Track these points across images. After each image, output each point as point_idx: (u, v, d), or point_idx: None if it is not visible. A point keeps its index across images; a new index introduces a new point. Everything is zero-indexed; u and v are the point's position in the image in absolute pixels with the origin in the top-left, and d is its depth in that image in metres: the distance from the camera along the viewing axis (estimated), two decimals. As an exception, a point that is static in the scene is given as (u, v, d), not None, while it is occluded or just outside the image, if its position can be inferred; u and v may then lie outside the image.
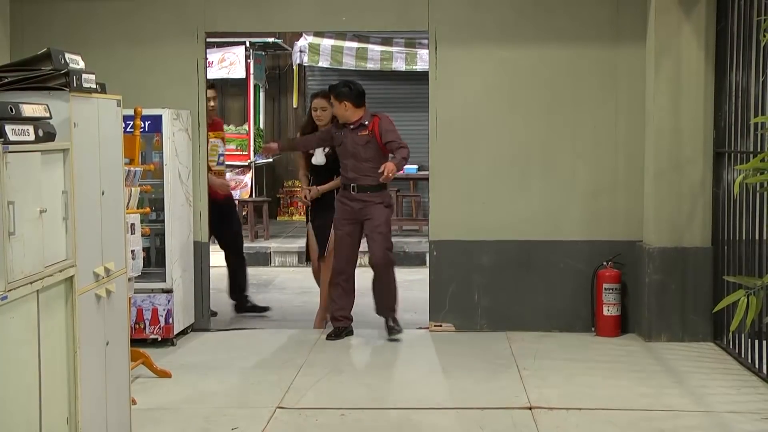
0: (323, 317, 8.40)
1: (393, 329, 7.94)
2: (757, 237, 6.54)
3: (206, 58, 8.48)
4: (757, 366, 6.55)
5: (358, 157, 7.85)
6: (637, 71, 7.85)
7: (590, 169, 7.97)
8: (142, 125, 7.16)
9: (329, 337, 7.89)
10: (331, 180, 8.25)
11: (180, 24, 8.11)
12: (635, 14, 7.83)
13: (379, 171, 7.59)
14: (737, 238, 7.03)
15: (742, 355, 6.91)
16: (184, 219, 7.98)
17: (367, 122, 7.87)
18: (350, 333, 8.01)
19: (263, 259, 12.55)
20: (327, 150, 8.20)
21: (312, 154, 8.32)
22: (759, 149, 6.32)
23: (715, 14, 7.46)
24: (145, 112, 7.16)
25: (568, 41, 7.95)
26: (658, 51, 7.59)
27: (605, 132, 7.98)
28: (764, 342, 6.13)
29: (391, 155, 7.86)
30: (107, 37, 8.08)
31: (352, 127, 7.87)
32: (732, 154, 7.15)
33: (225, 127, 14.76)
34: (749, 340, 6.78)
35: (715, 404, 6.00)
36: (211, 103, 8.70)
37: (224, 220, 9.09)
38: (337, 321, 8.05)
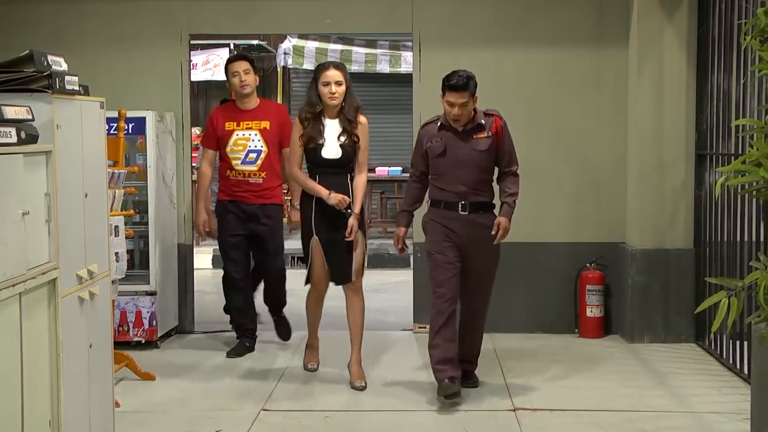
0: (313, 358, 6.93)
1: (473, 382, 6.46)
2: (738, 239, 6.56)
3: (190, 60, 8.45)
4: (738, 366, 6.57)
5: (476, 168, 6.18)
6: (620, 74, 7.87)
7: (573, 172, 7.99)
8: (126, 127, 7.14)
9: (448, 396, 5.97)
10: (345, 180, 6.47)
11: (164, 26, 8.08)
12: (618, 17, 7.86)
13: (493, 232, 6.09)
14: (719, 239, 7.05)
15: (724, 356, 6.94)
16: (168, 221, 7.95)
17: (483, 121, 6.21)
18: (475, 384, 6.45)
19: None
20: (344, 139, 6.40)
21: (317, 145, 6.39)
22: (740, 151, 6.33)
23: (696, 18, 7.49)
24: (129, 114, 7.17)
25: (551, 44, 7.96)
26: (640, 54, 7.62)
27: (588, 134, 7.99)
28: (745, 343, 6.14)
29: (504, 191, 6.29)
30: (91, 40, 8.05)
31: (461, 129, 6.18)
32: (713, 156, 7.17)
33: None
34: (730, 341, 6.80)
35: (696, 405, 6.02)
36: (242, 77, 7.20)
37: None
38: (445, 370, 6.05)
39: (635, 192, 7.72)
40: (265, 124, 7.28)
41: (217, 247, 7.88)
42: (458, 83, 6.00)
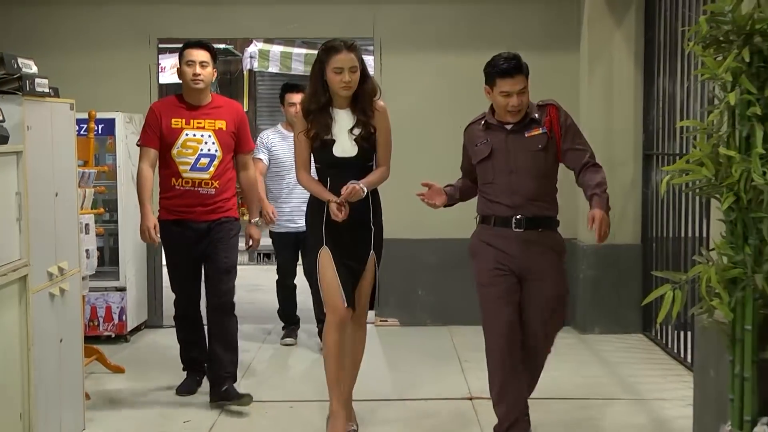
0: (344, 426, 5.16)
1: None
2: (682, 234, 6.63)
3: (159, 64, 8.42)
4: (682, 356, 6.65)
5: (528, 173, 4.86)
6: (571, 77, 7.93)
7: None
8: (96, 128, 7.11)
9: None
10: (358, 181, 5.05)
11: (133, 30, 8.06)
12: (570, 22, 7.92)
13: (590, 227, 4.71)
14: (665, 235, 7.13)
15: (669, 346, 7.02)
16: (137, 219, 7.74)
17: (536, 115, 4.95)
18: None
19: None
20: (359, 132, 5.05)
21: (326, 142, 5.04)
22: (684, 151, 6.41)
23: (643, 24, 7.56)
24: (99, 115, 7.14)
25: (505, 47, 7.83)
26: (591, 58, 7.68)
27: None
28: (689, 333, 6.21)
29: (588, 184, 4.87)
30: (62, 43, 8.01)
31: (511, 127, 4.90)
32: (659, 156, 7.25)
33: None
34: (675, 331, 6.88)
35: (644, 392, 6.08)
36: (196, 69, 5.82)
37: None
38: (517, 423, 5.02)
39: (586, 190, 7.76)
40: (221, 124, 5.84)
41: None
42: (511, 66, 4.88)
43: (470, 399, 5.96)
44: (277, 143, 7.41)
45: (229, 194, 5.95)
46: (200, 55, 5.83)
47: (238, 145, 5.95)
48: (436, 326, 8.06)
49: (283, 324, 7.77)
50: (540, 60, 7.94)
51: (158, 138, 5.81)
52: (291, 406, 5.87)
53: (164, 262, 6.30)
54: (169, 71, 14.37)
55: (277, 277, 7.69)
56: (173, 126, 5.81)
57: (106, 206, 7.48)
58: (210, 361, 5.96)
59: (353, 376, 5.32)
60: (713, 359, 4.59)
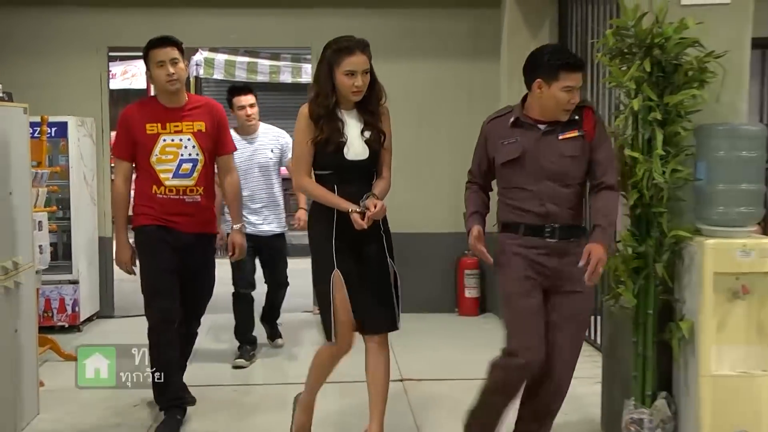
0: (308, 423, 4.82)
1: None
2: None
3: (109, 70, 8.32)
4: (593, 338, 6.72)
5: (563, 180, 4.11)
6: (492, 84, 7.96)
7: (452, 171, 8.01)
8: (49, 131, 7.11)
9: None
10: (370, 188, 4.39)
11: (85, 38, 7.95)
12: (491, 34, 7.96)
13: (583, 261, 3.90)
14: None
15: (583, 329, 7.10)
16: (89, 216, 7.84)
17: (577, 116, 4.12)
18: None
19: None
20: (370, 134, 4.42)
21: (339, 145, 4.31)
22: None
23: (557, 37, 7.63)
24: (52, 119, 7.09)
25: (433, 58, 8.04)
26: (510, 67, 7.71)
27: (464, 138, 7.96)
28: (599, 317, 6.29)
29: (597, 210, 4.11)
30: (16, 50, 7.88)
31: (545, 126, 4.13)
32: (573, 157, 7.32)
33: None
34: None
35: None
36: (169, 69, 4.88)
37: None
38: None
39: (506, 188, 7.83)
40: (200, 126, 4.97)
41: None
42: (578, 60, 4.10)
43: (401, 381, 5.98)
44: None
45: (211, 203, 5.17)
46: (169, 52, 4.94)
47: (218, 146, 5.09)
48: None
49: (238, 343, 6.70)
50: (465, 68, 8.06)
51: (131, 148, 4.94)
52: (235, 389, 5.84)
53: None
54: (119, 78, 14.26)
55: (233, 289, 6.60)
56: (148, 132, 4.90)
57: (59, 204, 7.41)
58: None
59: (383, 404, 4.60)
60: (619, 341, 4.68)
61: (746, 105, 4.51)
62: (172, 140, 4.92)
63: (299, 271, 9.95)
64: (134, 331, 7.47)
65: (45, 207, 6.47)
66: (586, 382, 5.76)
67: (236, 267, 6.35)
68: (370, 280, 4.37)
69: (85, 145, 7.73)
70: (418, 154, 8.07)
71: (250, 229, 6.20)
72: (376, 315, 4.41)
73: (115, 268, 8.22)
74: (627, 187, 4.29)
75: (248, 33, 8.26)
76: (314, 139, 4.30)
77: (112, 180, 7.81)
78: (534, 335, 4.11)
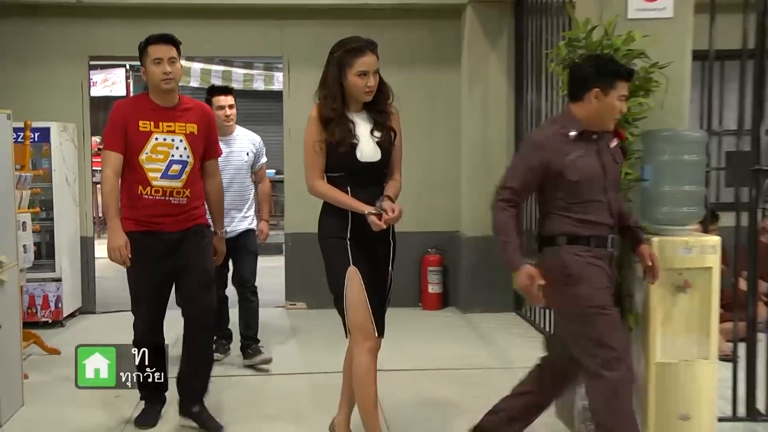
0: None
1: None
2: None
3: (90, 78, 8.25)
4: (546, 328, 6.79)
5: (617, 188, 4.00)
6: (453, 92, 8.02)
7: (417, 174, 8.07)
8: (32, 136, 7.03)
9: None
10: (381, 190, 4.07)
11: (67, 48, 7.88)
12: (452, 45, 8.00)
13: (648, 263, 3.97)
14: (533, 228, 7.26)
15: (536, 321, 7.16)
16: (71, 217, 7.77)
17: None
18: None
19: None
20: (380, 134, 4.10)
21: (351, 146, 4.01)
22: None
23: (514, 46, 7.68)
24: (35, 124, 7.03)
25: (397, 66, 7.99)
26: (470, 75, 7.77)
27: (429, 143, 8.11)
28: (551, 310, 6.32)
29: (625, 216, 4.05)
30: (1, 58, 7.79)
31: (596, 136, 3.88)
32: (529, 160, 7.36)
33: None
34: (540, 309, 7.01)
35: (514, 361, 6.14)
36: (165, 68, 4.48)
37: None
38: None
39: (467, 190, 7.88)
40: (192, 128, 4.61)
41: None
42: (632, 71, 3.90)
43: (369, 371, 5.98)
44: None
45: (199, 202, 4.76)
46: (167, 50, 4.52)
47: (207, 150, 4.71)
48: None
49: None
50: (428, 76, 8.08)
51: (124, 141, 4.49)
52: (211, 381, 5.81)
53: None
54: (100, 85, 14.14)
55: None
56: (141, 129, 4.51)
57: (43, 206, 7.31)
58: (182, 376, 4.86)
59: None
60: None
61: (688, 112, 4.56)
62: (164, 140, 4.53)
63: (268, 268, 10.01)
64: (115, 326, 7.48)
65: (29, 208, 6.40)
66: (515, 373, 5.79)
67: None
68: (374, 284, 4.08)
69: (67, 149, 7.65)
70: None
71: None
72: (376, 318, 4.12)
73: (97, 265, 8.29)
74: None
75: (222, 43, 8.22)
76: (322, 142, 4.03)
77: (95, 183, 7.79)
78: (625, 342, 3.92)
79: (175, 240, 4.59)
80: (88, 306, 8.05)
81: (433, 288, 8.01)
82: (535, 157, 3.83)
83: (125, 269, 4.62)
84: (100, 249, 8.84)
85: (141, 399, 4.98)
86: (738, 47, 4.69)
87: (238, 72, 13.45)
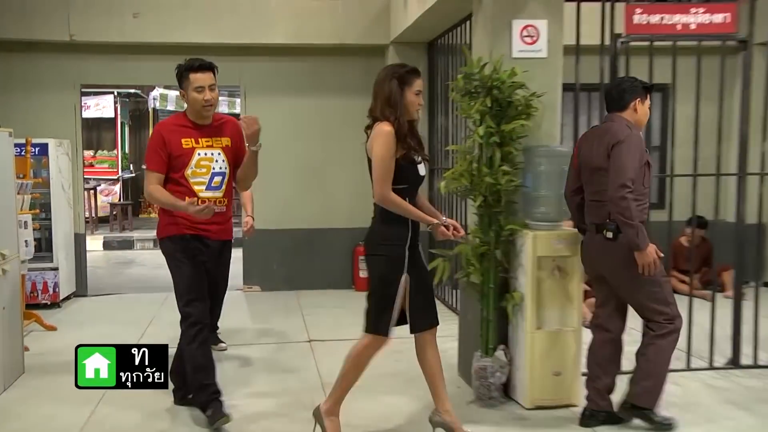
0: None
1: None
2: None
3: (81, 103, 8.05)
4: (454, 305, 6.83)
5: None
6: (380, 115, 8.00)
7: (350, 179, 8.08)
8: (33, 150, 6.91)
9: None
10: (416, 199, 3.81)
11: (62, 77, 7.68)
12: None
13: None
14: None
15: (446, 299, 7.20)
16: (66, 217, 7.59)
17: None
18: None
19: (129, 244, 12.02)
20: (422, 152, 3.79)
21: (415, 162, 3.71)
22: (452, 166, 6.58)
23: (427, 79, 7.70)
24: (36, 140, 6.91)
25: (335, 94, 8.03)
26: (393, 102, 7.78)
27: (360, 156, 8.06)
28: (457, 290, 6.38)
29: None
30: (7, 86, 7.58)
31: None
32: (439, 170, 7.39)
33: (100, 151, 14.32)
34: (450, 289, 7.07)
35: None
36: (207, 95, 4.03)
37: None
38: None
39: (391, 193, 7.88)
40: (226, 141, 4.15)
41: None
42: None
43: (309, 342, 5.97)
44: None
45: (231, 212, 4.27)
46: (208, 79, 4.06)
47: (238, 159, 4.20)
48: (287, 291, 8.01)
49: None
50: (358, 101, 7.94)
51: (165, 161, 4.00)
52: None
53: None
54: (93, 108, 13.84)
55: None
56: (184, 146, 4.03)
57: (42, 208, 7.15)
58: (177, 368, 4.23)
59: (443, 379, 3.93)
60: (470, 308, 4.76)
61: (560, 132, 4.64)
62: (206, 154, 4.06)
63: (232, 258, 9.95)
64: (104, 306, 7.41)
65: (30, 210, 6.25)
66: (447, 340, 5.77)
67: None
68: (425, 285, 3.78)
69: (63, 161, 7.47)
70: (324, 168, 8.07)
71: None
72: (429, 314, 3.82)
73: (90, 258, 8.11)
74: (474, 192, 4.36)
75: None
76: (402, 156, 3.59)
77: (86, 189, 7.60)
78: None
79: (217, 249, 4.14)
80: (81, 290, 7.87)
81: (363, 273, 7.87)
82: (639, 150, 3.78)
83: (171, 271, 4.11)
84: (94, 243, 8.77)
85: (202, 408, 4.11)
86: (597, 81, 4.78)
87: (207, 98, 13.34)
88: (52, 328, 6.34)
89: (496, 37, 4.48)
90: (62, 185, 7.45)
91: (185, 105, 4.12)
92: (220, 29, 7.58)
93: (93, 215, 13.09)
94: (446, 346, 5.64)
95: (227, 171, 4.13)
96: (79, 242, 7.89)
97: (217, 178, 4.09)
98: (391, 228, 3.64)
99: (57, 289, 7.27)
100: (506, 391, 4.46)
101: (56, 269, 7.28)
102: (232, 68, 7.91)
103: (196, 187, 4.03)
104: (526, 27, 4.48)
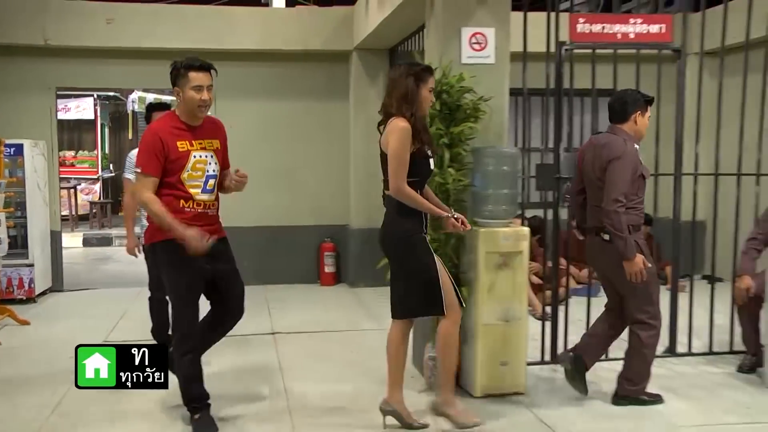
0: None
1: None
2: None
3: (57, 105, 7.88)
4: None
5: None
6: (344, 117, 7.94)
7: (317, 179, 8.03)
8: (8, 150, 6.78)
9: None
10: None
11: (37, 80, 7.51)
12: (342, 81, 7.93)
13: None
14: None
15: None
16: (42, 215, 7.43)
17: None
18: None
19: (107, 241, 11.82)
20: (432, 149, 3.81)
21: (428, 156, 3.74)
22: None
23: (384, 87, 7.64)
24: (11, 141, 6.77)
25: (301, 98, 7.96)
26: (355, 105, 7.73)
27: (325, 156, 8.05)
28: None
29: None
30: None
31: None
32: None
33: (80, 152, 14.09)
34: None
35: (384, 323, 6.07)
36: (204, 95, 3.74)
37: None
38: None
39: (354, 193, 7.81)
40: (217, 143, 3.84)
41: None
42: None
43: (273, 334, 5.90)
44: None
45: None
46: (207, 79, 3.78)
47: (224, 162, 3.95)
48: (256, 285, 7.90)
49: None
50: (324, 106, 8.02)
51: (161, 164, 3.64)
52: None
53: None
54: (74, 110, 13.61)
55: (149, 292, 5.05)
56: (180, 149, 3.67)
57: (17, 206, 6.99)
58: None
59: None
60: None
61: (507, 134, 4.62)
62: (201, 156, 3.73)
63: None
64: (78, 300, 7.30)
65: (4, 208, 6.12)
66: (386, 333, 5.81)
67: (151, 273, 4.87)
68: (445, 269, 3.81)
69: (38, 161, 7.31)
70: (292, 168, 7.99)
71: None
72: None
73: (70, 254, 7.97)
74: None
75: (167, 78, 7.94)
76: (418, 150, 3.59)
77: (62, 187, 7.49)
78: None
79: (216, 248, 3.71)
80: (57, 285, 7.70)
81: (329, 268, 7.95)
82: (632, 164, 3.87)
83: (167, 275, 3.77)
84: (71, 240, 8.60)
85: (193, 412, 3.85)
86: (543, 86, 4.77)
87: (183, 101, 13.18)
88: (26, 323, 6.21)
89: (446, 44, 4.46)
90: (38, 184, 7.30)
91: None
92: (191, 35, 7.47)
93: (74, 213, 12.88)
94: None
95: (218, 173, 3.84)
96: (56, 239, 7.73)
97: (211, 181, 3.79)
98: (410, 219, 3.65)
99: (32, 285, 7.12)
100: (457, 380, 4.43)
101: (32, 265, 7.12)
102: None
103: (192, 191, 3.71)
104: (474, 34, 4.46)
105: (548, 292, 5.22)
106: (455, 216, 3.73)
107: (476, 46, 4.46)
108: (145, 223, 4.56)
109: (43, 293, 7.41)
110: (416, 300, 3.72)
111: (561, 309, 4.95)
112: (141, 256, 4.93)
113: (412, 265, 3.68)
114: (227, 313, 3.94)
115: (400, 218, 3.68)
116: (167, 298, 4.46)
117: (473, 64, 4.43)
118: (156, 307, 5.03)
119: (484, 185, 4.30)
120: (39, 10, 7.24)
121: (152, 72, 7.83)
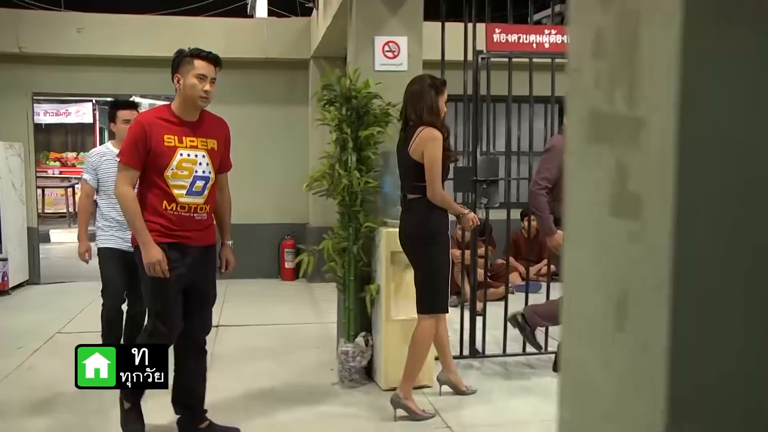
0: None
1: None
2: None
3: (33, 109, 7.83)
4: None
5: None
6: (303, 121, 7.84)
7: (278, 181, 7.94)
8: (-18, 152, 6.65)
9: None
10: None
11: (14, 85, 7.47)
12: (301, 87, 7.84)
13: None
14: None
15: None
16: (17, 212, 7.39)
17: None
18: None
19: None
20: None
21: (455, 160, 3.94)
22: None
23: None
24: (-15, 143, 6.67)
25: (263, 103, 7.88)
26: (313, 111, 7.60)
27: (286, 158, 7.96)
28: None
29: None
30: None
31: None
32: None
33: (82, 153, 14.05)
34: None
35: (326, 316, 6.01)
36: (207, 86, 3.30)
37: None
38: None
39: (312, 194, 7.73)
40: (213, 144, 3.35)
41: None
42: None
43: (216, 327, 5.78)
44: (107, 161, 4.23)
45: (212, 218, 3.47)
46: (212, 71, 3.32)
47: (222, 164, 3.46)
48: (220, 280, 7.77)
49: None
50: (284, 111, 7.93)
51: (145, 157, 3.19)
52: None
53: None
54: (74, 115, 13.59)
55: (102, 300, 4.32)
56: (166, 144, 3.20)
57: (-9, 204, 6.97)
58: (185, 393, 3.51)
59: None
60: (337, 297, 4.63)
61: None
62: (189, 155, 3.24)
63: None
64: (50, 293, 7.24)
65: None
66: (325, 327, 5.73)
67: (107, 280, 4.29)
68: None
69: (14, 162, 7.28)
70: (253, 170, 7.88)
71: (123, 246, 4.13)
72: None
73: (61, 248, 7.91)
74: (335, 193, 4.24)
75: (140, 84, 7.93)
76: (446, 157, 3.62)
77: (38, 186, 7.41)
78: None
79: (198, 255, 3.31)
80: (34, 278, 7.66)
81: (289, 264, 7.86)
82: (558, 153, 3.95)
83: (144, 281, 3.29)
84: (68, 235, 8.49)
85: (127, 402, 3.50)
86: (461, 93, 4.65)
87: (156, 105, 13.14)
88: (-7, 315, 6.16)
89: (361, 52, 4.36)
90: (13, 184, 7.25)
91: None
92: (158, 44, 7.37)
93: (71, 210, 12.87)
94: (323, 332, 5.55)
95: (211, 176, 3.31)
96: (32, 235, 7.69)
97: (199, 183, 3.26)
98: (440, 220, 3.67)
99: (6, 278, 7.07)
100: (369, 374, 4.33)
101: (5, 260, 7.08)
102: (169, 79, 7.73)
103: (175, 191, 3.21)
104: (387, 43, 4.35)
105: (491, 290, 5.10)
106: (470, 213, 3.85)
107: (389, 54, 4.35)
108: (100, 233, 4.25)
109: (20, 285, 7.37)
110: (432, 296, 3.74)
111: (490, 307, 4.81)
112: (93, 261, 4.49)
113: (434, 263, 3.68)
114: (193, 328, 3.45)
115: (431, 219, 3.66)
116: (122, 307, 4.29)
117: (386, 71, 4.33)
118: (109, 316, 4.30)
119: (393, 187, 4.20)
120: (13, 19, 7.22)
121: (122, 79, 7.80)
